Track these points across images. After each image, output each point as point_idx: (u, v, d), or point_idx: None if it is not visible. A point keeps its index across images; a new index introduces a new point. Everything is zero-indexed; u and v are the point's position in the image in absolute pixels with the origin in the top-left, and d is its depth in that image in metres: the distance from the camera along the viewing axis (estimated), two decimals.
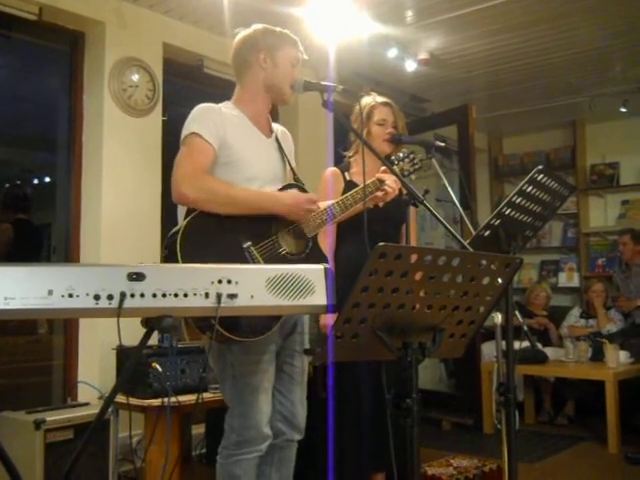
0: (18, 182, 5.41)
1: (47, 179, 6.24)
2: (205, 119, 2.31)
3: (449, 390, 6.10)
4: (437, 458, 4.00)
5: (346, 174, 3.09)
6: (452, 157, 5.80)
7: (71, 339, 3.82)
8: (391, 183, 2.56)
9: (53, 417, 2.97)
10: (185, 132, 2.30)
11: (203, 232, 2.18)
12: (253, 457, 2.30)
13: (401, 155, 2.62)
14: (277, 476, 2.45)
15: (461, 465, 3.85)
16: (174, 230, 2.20)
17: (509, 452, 2.42)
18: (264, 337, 2.16)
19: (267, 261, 2.22)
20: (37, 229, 4.78)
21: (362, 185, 2.49)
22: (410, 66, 5.03)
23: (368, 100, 3.10)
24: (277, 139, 2.53)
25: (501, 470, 3.01)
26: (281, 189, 2.41)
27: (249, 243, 2.22)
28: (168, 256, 2.15)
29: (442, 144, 3.03)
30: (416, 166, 2.64)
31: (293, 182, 2.48)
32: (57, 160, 4.26)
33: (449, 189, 3.06)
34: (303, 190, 2.46)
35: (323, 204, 2.47)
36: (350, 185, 3.02)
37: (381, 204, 2.63)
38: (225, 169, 2.31)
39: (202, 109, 2.35)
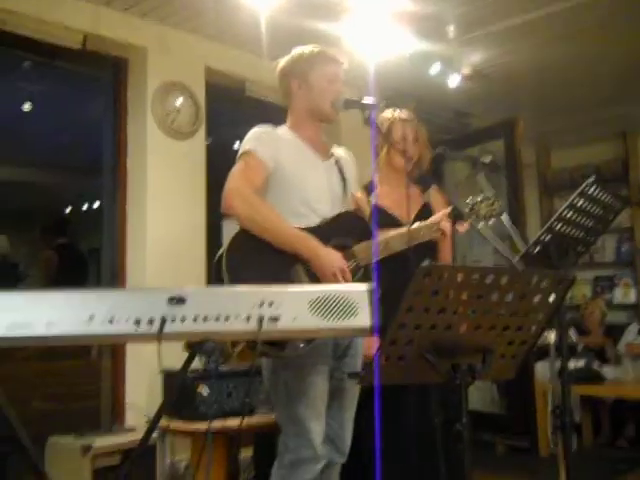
0: (60, 207, 5.49)
1: (96, 204, 6.34)
2: (261, 139, 2.36)
3: (502, 411, 5.94)
4: None
5: (371, 198, 2.93)
6: (499, 172, 5.70)
7: (118, 363, 3.84)
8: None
9: (100, 443, 2.97)
10: (241, 150, 2.35)
11: (248, 248, 2.20)
12: (308, 478, 2.27)
13: (479, 199, 2.56)
14: None
15: None
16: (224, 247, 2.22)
17: (567, 476, 2.32)
18: (309, 349, 2.12)
19: (312, 279, 2.21)
20: (80, 253, 4.83)
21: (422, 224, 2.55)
22: (453, 81, 4.97)
23: (387, 115, 3.00)
24: (337, 162, 2.53)
25: None
26: (336, 216, 2.41)
27: (295, 260, 2.22)
28: (216, 272, 2.17)
29: (488, 160, 2.97)
30: (494, 211, 2.56)
31: (351, 211, 2.49)
32: (104, 185, 4.32)
33: None
34: (362, 220, 2.47)
35: (388, 235, 2.48)
36: (377, 210, 2.89)
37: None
38: (279, 190, 2.34)
39: (259, 130, 2.40)
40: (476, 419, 2.43)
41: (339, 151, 2.60)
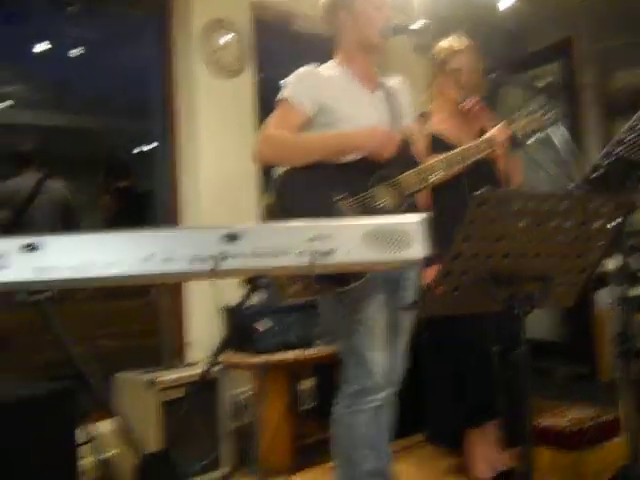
0: (117, 151, 5.58)
1: (148, 146, 6.39)
2: (300, 84, 2.33)
3: (561, 339, 5.90)
4: (550, 409, 3.88)
5: (426, 126, 2.94)
6: (556, 96, 5.50)
7: (177, 301, 3.93)
8: (500, 144, 2.48)
9: (165, 377, 3.08)
10: (278, 96, 2.33)
11: (294, 188, 2.18)
12: (372, 407, 2.33)
13: (528, 110, 2.48)
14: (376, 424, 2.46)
15: (576, 416, 3.72)
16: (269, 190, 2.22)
17: (627, 401, 2.30)
18: (358, 284, 2.13)
19: (359, 215, 2.18)
20: (138, 195, 4.92)
21: (469, 142, 2.43)
22: (505, 2, 4.77)
23: (443, 44, 2.94)
24: (388, 92, 2.48)
25: (619, 420, 2.88)
26: None
27: (341, 196, 2.19)
28: (264, 216, 2.19)
29: (543, 83, 2.87)
30: (549, 120, 2.49)
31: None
32: (155, 127, 4.34)
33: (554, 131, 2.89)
34: (407, 149, 2.41)
35: (429, 160, 2.42)
36: (433, 138, 2.90)
37: None
38: (328, 131, 2.31)
39: (298, 74, 2.36)
40: (535, 347, 2.42)
41: (392, 80, 2.54)
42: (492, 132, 2.53)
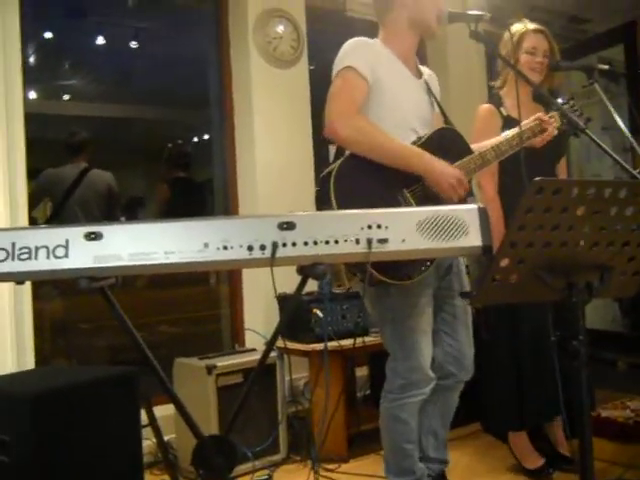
0: (180, 141, 5.67)
1: (206, 136, 6.48)
2: (359, 52, 2.26)
3: (624, 329, 5.76)
4: (612, 400, 3.81)
5: (502, 109, 2.91)
6: (619, 81, 5.35)
7: (236, 288, 3.98)
8: (551, 128, 2.45)
9: (223, 362, 3.13)
10: (339, 66, 2.25)
11: (355, 175, 2.16)
12: (418, 400, 2.31)
13: (560, 101, 2.47)
14: (438, 415, 2.47)
15: (639, 407, 3.64)
16: (327, 170, 2.19)
17: None
18: (419, 279, 2.13)
19: (420, 204, 2.16)
20: (197, 186, 5.00)
21: (519, 125, 2.35)
22: None
23: (518, 27, 2.90)
24: (426, 81, 2.45)
25: None
26: (433, 133, 2.32)
27: (401, 186, 2.18)
28: (321, 197, 2.15)
29: (605, 67, 2.80)
30: (576, 113, 2.49)
31: (445, 126, 2.39)
32: (212, 117, 4.40)
33: (615, 115, 2.82)
34: (456, 133, 2.37)
35: (478, 146, 2.37)
36: (508, 120, 2.85)
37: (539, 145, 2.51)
38: (376, 110, 2.26)
39: (356, 42, 2.29)
40: (596, 337, 2.38)
41: (423, 68, 2.51)
42: (539, 116, 2.48)
